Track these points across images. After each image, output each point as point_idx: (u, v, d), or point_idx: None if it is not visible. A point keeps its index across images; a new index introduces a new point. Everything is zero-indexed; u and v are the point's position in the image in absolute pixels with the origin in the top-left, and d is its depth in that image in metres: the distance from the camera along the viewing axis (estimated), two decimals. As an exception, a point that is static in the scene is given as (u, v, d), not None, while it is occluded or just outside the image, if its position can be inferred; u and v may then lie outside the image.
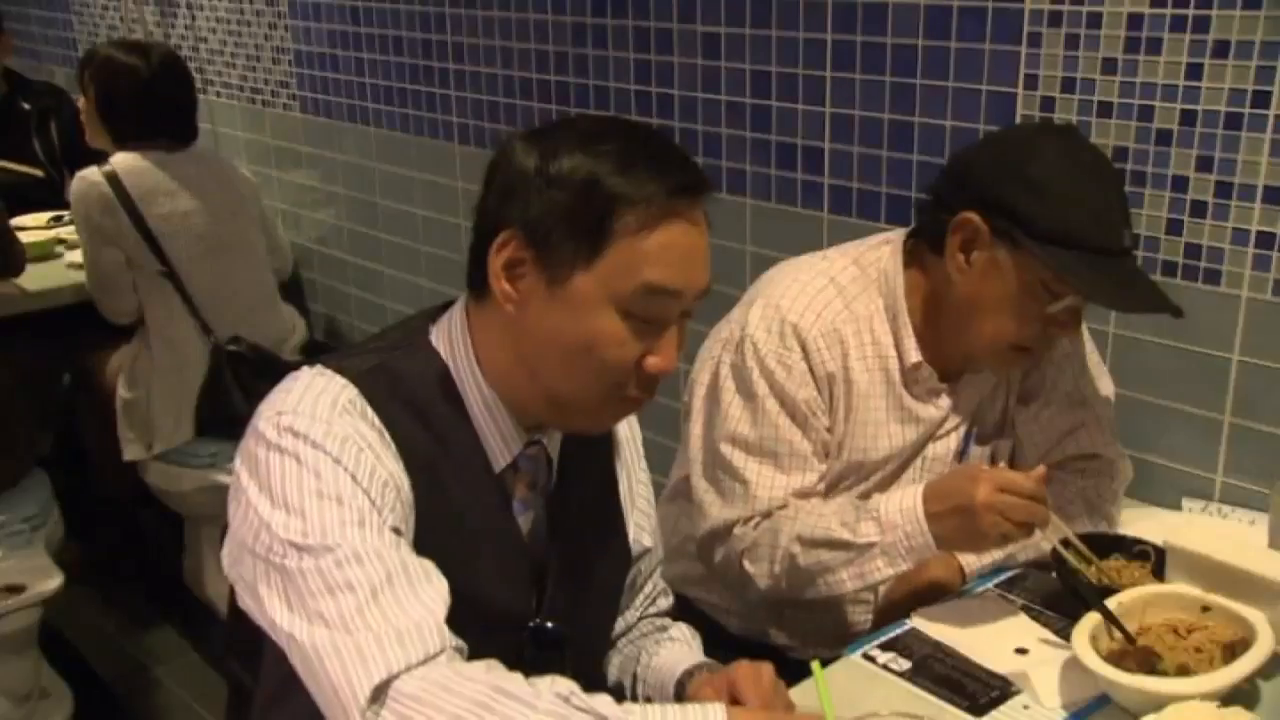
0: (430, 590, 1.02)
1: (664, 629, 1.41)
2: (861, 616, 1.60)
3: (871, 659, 1.46)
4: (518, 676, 0.99)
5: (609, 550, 1.32)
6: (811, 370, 1.58)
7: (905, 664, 1.45)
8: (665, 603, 1.46)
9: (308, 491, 1.03)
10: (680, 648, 1.37)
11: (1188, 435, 1.86)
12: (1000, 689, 1.40)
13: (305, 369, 1.14)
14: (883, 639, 1.50)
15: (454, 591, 1.07)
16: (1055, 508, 1.61)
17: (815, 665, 0.94)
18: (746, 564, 1.57)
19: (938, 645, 1.48)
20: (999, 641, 1.49)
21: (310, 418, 1.06)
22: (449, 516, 1.14)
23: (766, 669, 1.23)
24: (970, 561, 1.61)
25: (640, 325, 1.10)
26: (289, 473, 1.04)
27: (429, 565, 1.05)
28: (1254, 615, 1.36)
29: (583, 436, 1.26)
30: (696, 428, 1.65)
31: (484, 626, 1.14)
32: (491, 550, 1.17)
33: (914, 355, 1.60)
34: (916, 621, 1.53)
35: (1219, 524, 1.78)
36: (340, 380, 1.11)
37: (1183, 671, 1.32)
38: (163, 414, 2.89)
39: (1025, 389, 1.71)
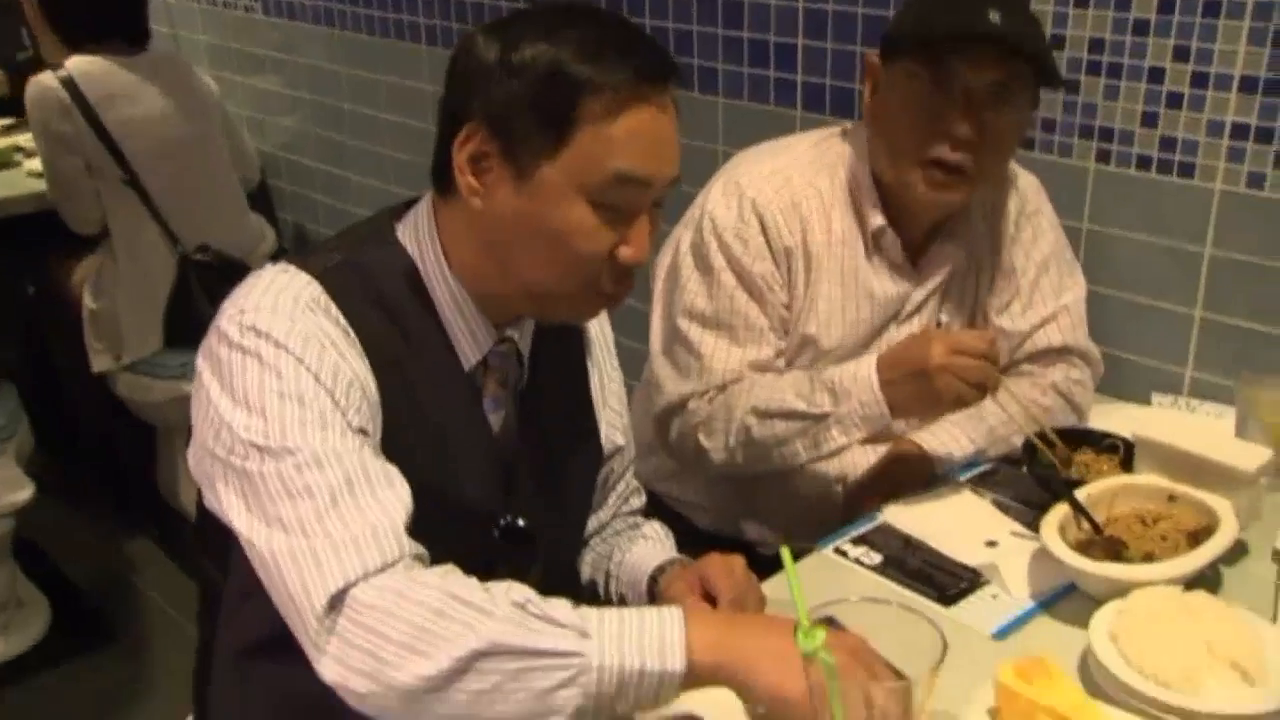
0: (391, 496, 1.01)
1: (636, 527, 1.42)
2: (832, 511, 1.61)
3: (843, 553, 1.48)
4: (474, 582, 0.98)
5: (580, 448, 1.31)
6: (769, 245, 1.58)
7: (876, 558, 1.46)
8: (638, 501, 1.46)
9: (269, 391, 1.01)
10: (653, 545, 1.38)
11: (1158, 330, 1.86)
12: (969, 580, 1.41)
13: (269, 266, 1.12)
14: (854, 533, 1.52)
15: (424, 490, 1.06)
16: (1029, 400, 1.63)
17: (784, 550, 0.94)
18: (701, 438, 1.59)
19: (908, 539, 1.50)
20: (969, 535, 1.50)
21: (272, 315, 1.05)
22: (418, 415, 1.12)
23: (738, 561, 1.24)
24: (937, 450, 1.62)
25: (611, 215, 1.08)
26: (250, 372, 1.03)
27: (391, 470, 1.03)
28: (1218, 503, 1.38)
29: (554, 334, 1.25)
30: (657, 308, 1.67)
31: (455, 524, 1.14)
32: (461, 448, 1.17)
33: (878, 219, 1.60)
34: (887, 516, 1.55)
35: (1187, 417, 1.79)
36: (304, 277, 1.09)
37: (1148, 559, 1.34)
38: (130, 324, 2.86)
39: (996, 283, 1.71)
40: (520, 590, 0.98)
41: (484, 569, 1.09)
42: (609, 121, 1.05)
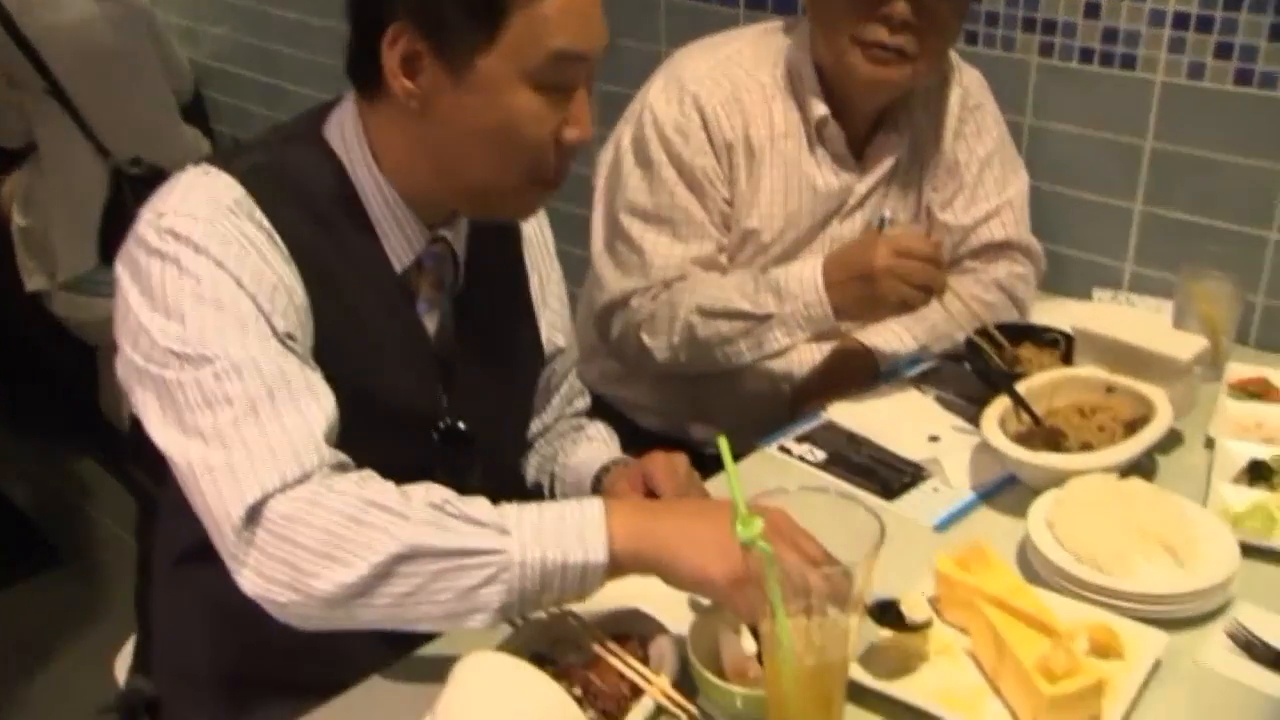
0: (312, 405, 0.99)
1: (581, 429, 1.41)
2: (778, 411, 1.61)
3: (787, 451, 1.48)
4: (391, 487, 0.97)
5: (520, 349, 1.30)
6: (710, 139, 1.57)
7: (820, 454, 1.47)
8: (582, 403, 1.46)
9: (188, 296, 0.98)
10: (597, 446, 1.38)
11: (1099, 225, 1.87)
12: (912, 474, 1.43)
13: (190, 168, 1.08)
14: (798, 432, 1.52)
15: (358, 394, 1.05)
16: (972, 296, 1.63)
17: (720, 440, 0.93)
18: (644, 336, 1.59)
19: (852, 435, 1.51)
20: (912, 430, 1.51)
21: (192, 219, 1.01)
22: (349, 319, 1.10)
23: (680, 459, 1.24)
24: (881, 348, 1.63)
25: (553, 96, 1.06)
26: (169, 277, 0.99)
27: (314, 377, 1.01)
28: (1155, 393, 1.39)
29: (490, 235, 1.23)
30: (599, 206, 1.66)
31: (392, 428, 1.12)
32: (395, 351, 1.15)
33: (821, 109, 1.59)
34: (831, 413, 1.55)
35: (1126, 311, 1.81)
36: (226, 179, 1.05)
37: (1086, 449, 1.35)
38: (63, 241, 2.79)
39: (940, 178, 1.70)
40: (438, 491, 0.97)
41: (423, 472, 1.08)
42: (540, 1, 1.02)
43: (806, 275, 1.49)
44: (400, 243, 1.13)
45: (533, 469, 1.40)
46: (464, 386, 1.20)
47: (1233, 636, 1.11)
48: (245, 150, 1.12)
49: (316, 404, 0.99)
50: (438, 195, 1.12)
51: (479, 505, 0.97)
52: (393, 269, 1.13)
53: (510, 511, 0.97)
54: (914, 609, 1.08)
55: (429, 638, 1.12)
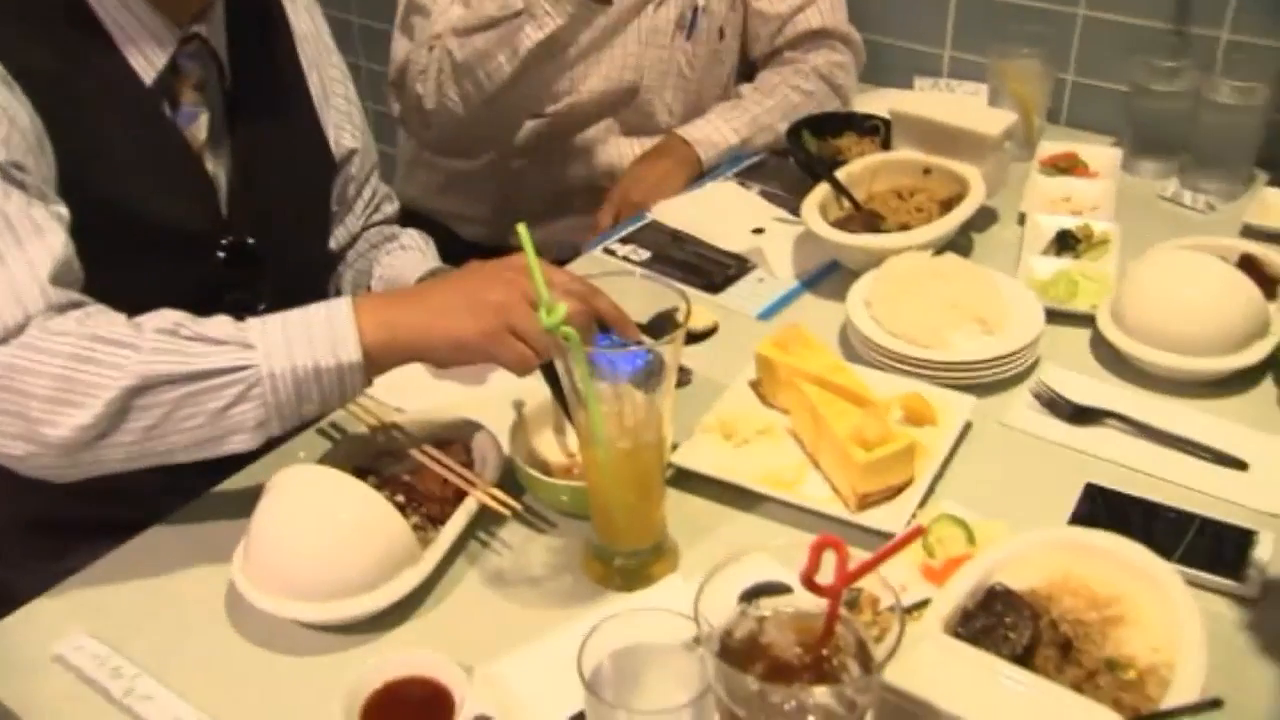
0: (37, 246, 0.91)
1: (394, 237, 1.35)
2: (587, 221, 1.58)
3: (611, 252, 1.46)
4: (120, 318, 0.91)
5: (303, 153, 1.22)
6: None
7: (645, 254, 1.46)
8: (390, 208, 1.39)
9: None
10: (413, 255, 1.32)
11: (917, 12, 1.86)
12: (737, 267, 1.42)
13: None
14: (622, 233, 1.50)
15: (121, 218, 0.99)
16: (792, 87, 1.61)
17: (520, 228, 0.90)
18: (417, 86, 1.51)
19: (676, 233, 1.49)
20: (736, 224, 1.50)
21: None
22: (95, 139, 1.01)
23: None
24: (702, 142, 1.60)
25: None
26: None
27: (39, 212, 0.92)
28: (969, 171, 1.41)
29: (256, 32, 1.14)
30: None
31: (168, 251, 1.05)
32: (155, 166, 1.06)
33: None
34: (655, 213, 1.53)
35: (943, 95, 1.81)
36: None
37: (905, 229, 1.36)
38: None
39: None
40: (171, 316, 0.91)
41: (212, 296, 1.02)
42: None
43: None
44: (147, 47, 1.03)
45: (348, 285, 1.34)
46: (245, 198, 1.13)
47: (1037, 396, 1.16)
48: None
49: (43, 244, 0.91)
50: None
51: (218, 324, 0.92)
52: (139, 80, 1.04)
53: (254, 325, 0.92)
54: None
55: (243, 462, 1.08)
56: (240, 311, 0.95)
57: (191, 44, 1.07)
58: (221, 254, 1.11)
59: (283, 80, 1.20)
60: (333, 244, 1.33)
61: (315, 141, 1.24)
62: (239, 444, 0.93)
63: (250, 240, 1.11)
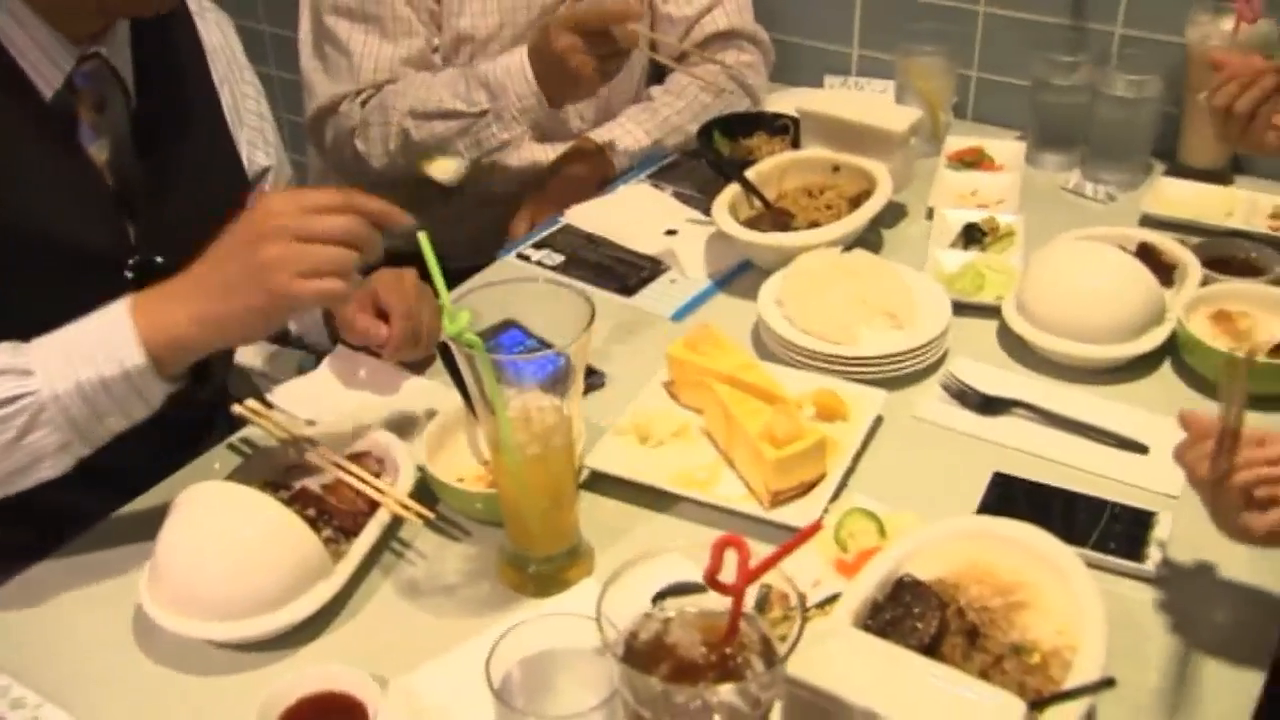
0: None
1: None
2: (501, 227, 1.58)
3: (525, 257, 1.46)
4: None
5: (215, 171, 1.20)
6: None
7: (558, 258, 1.45)
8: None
9: None
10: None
11: (825, 12, 1.87)
12: (650, 269, 1.43)
13: None
14: (535, 238, 1.50)
15: (22, 238, 0.96)
16: (701, 88, 1.62)
17: (421, 235, 0.90)
18: (359, 143, 1.54)
19: (590, 236, 1.49)
20: (649, 226, 1.51)
21: None
22: None
23: (408, 274, 1.20)
24: (615, 146, 1.61)
25: None
26: None
27: None
28: (877, 168, 1.42)
29: (163, 51, 1.12)
30: (305, 9, 1.58)
31: (74, 270, 1.03)
32: (56, 184, 1.03)
33: None
34: (569, 217, 1.53)
35: (850, 93, 1.83)
36: None
37: (814, 227, 1.38)
38: None
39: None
40: None
41: None
42: None
43: (514, 65, 1.43)
44: (43, 64, 1.01)
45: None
46: (153, 217, 1.11)
47: (946, 387, 1.18)
48: None
49: None
50: (72, 3, 1.00)
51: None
52: (38, 95, 1.02)
53: (35, 346, 0.89)
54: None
55: (148, 482, 1.06)
56: None
57: (90, 63, 1.04)
58: (129, 274, 1.08)
59: (192, 99, 1.17)
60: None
61: (227, 159, 1.22)
62: (49, 470, 0.91)
63: (159, 259, 1.09)
